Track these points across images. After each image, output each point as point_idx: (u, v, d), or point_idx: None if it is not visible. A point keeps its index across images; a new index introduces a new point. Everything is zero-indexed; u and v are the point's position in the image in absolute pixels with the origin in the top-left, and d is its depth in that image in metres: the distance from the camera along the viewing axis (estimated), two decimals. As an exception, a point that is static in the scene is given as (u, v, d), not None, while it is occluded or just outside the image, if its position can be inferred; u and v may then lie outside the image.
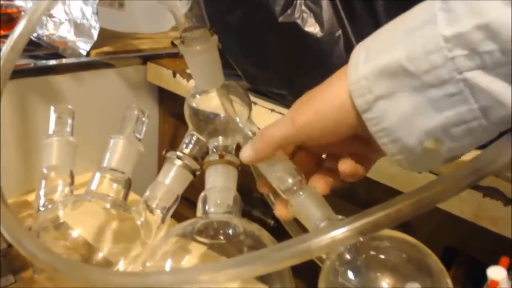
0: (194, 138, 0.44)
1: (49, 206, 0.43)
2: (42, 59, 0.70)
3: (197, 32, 0.35)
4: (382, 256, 0.29)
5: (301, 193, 0.32)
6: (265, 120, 0.59)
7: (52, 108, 0.46)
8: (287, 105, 0.59)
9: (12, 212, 0.30)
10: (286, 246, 0.26)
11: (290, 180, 0.32)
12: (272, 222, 0.67)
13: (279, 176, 0.33)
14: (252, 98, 0.62)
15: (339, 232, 0.25)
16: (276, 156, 0.33)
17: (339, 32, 0.50)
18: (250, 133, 0.36)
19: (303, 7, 0.52)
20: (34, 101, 0.63)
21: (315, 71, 0.53)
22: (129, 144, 0.44)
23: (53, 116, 0.46)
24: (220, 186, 0.38)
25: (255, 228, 0.38)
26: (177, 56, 0.79)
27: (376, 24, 0.47)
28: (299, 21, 0.51)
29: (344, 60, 0.48)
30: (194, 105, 0.38)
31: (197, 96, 0.38)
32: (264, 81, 0.60)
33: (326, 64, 0.51)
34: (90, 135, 0.64)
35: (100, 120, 0.70)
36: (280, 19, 0.52)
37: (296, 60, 0.54)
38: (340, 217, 0.31)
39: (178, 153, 0.44)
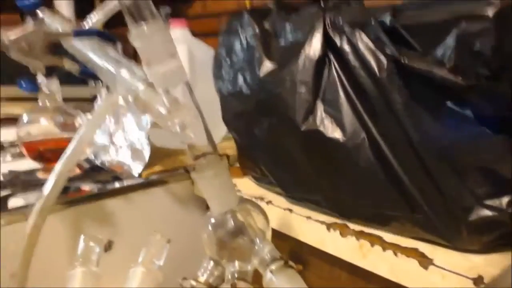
0: (212, 264, 0.43)
1: None
2: (104, 184, 0.76)
3: (207, 158, 0.37)
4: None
5: None
6: (302, 227, 0.58)
7: (81, 237, 0.48)
8: (324, 212, 0.58)
9: None
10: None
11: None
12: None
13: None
14: (288, 205, 0.62)
15: None
16: None
17: (363, 134, 0.50)
18: (267, 257, 0.35)
19: (324, 114, 0.53)
20: (90, 226, 0.68)
21: (345, 176, 0.52)
22: (147, 273, 0.44)
23: (81, 246, 0.47)
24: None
25: None
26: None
27: (397, 121, 0.47)
28: (321, 128, 0.52)
29: (371, 162, 0.49)
30: (210, 228, 0.38)
31: (213, 220, 0.38)
32: (297, 187, 0.59)
33: (354, 167, 0.50)
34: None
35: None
36: (303, 128, 0.54)
37: (324, 166, 0.54)
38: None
39: (192, 281, 0.42)
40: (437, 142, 0.44)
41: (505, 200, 0.42)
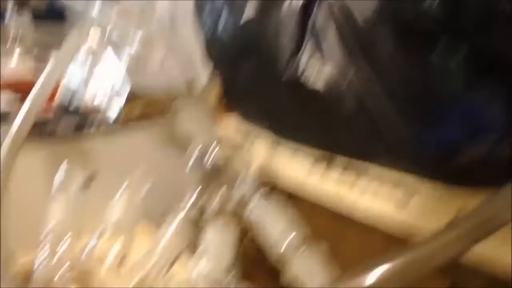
0: (195, 194, 0.42)
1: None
2: (81, 126, 0.75)
3: (191, 96, 0.37)
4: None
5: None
6: (287, 163, 0.59)
7: (63, 165, 0.47)
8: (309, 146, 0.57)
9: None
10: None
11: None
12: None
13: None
14: (273, 142, 0.62)
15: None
16: None
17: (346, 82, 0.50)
18: (250, 188, 0.36)
19: (307, 63, 0.52)
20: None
21: (327, 121, 0.53)
22: (129, 204, 0.44)
23: (61, 175, 0.47)
24: (217, 244, 0.37)
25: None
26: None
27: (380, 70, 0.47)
28: (304, 77, 0.52)
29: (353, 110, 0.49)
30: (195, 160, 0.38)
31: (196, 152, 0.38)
32: (282, 127, 0.59)
33: (336, 115, 0.50)
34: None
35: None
36: (285, 75, 0.53)
37: (307, 111, 0.54)
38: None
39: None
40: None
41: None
